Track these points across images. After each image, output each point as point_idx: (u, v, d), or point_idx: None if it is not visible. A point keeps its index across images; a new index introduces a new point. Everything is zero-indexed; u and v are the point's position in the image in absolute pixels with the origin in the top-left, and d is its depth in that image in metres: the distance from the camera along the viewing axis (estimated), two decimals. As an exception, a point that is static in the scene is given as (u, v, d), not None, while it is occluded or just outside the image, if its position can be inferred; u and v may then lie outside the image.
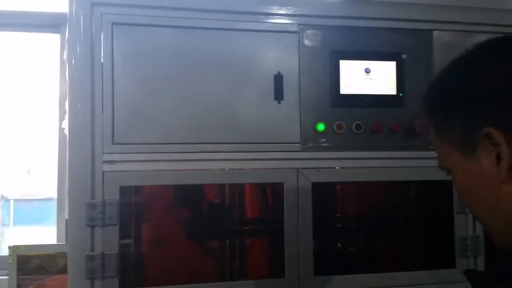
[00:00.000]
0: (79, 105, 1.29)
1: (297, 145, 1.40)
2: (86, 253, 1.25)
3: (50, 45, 2.30)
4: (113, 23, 1.31)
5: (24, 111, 2.47)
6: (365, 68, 1.42)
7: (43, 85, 2.41)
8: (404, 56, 1.45)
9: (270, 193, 1.46)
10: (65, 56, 1.50)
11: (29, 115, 2.49)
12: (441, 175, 1.46)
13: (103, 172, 1.28)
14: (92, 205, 1.26)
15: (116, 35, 1.31)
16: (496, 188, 0.58)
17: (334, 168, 1.43)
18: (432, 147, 1.46)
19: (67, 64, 1.39)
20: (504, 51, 0.61)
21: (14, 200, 3.74)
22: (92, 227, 1.26)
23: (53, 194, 2.39)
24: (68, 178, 1.30)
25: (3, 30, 2.24)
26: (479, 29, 1.50)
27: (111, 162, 1.29)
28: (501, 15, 1.55)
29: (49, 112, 2.45)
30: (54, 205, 2.34)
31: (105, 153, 1.29)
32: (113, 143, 1.30)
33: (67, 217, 1.45)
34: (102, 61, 1.30)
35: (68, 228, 1.29)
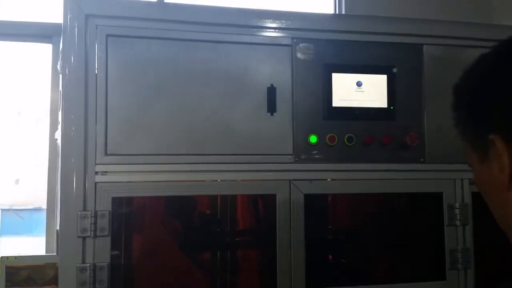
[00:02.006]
0: (72, 116, 1.29)
1: (289, 157, 1.41)
2: (77, 265, 1.24)
3: (42, 55, 2.30)
4: (108, 35, 1.32)
5: (13, 120, 2.46)
6: (356, 81, 1.44)
7: (33, 94, 2.40)
8: (395, 70, 1.47)
9: (263, 205, 1.46)
10: (59, 67, 1.50)
11: (18, 124, 2.48)
12: (432, 188, 1.49)
13: (95, 183, 1.28)
14: (84, 216, 1.26)
15: (110, 46, 1.32)
16: (504, 194, 0.58)
17: (326, 180, 1.44)
18: (422, 159, 1.49)
19: (60, 75, 1.39)
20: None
21: (2, 209, 3.69)
22: (84, 238, 1.26)
23: (42, 204, 2.37)
24: (60, 188, 1.30)
25: (-5, 40, 2.24)
26: (469, 43, 1.54)
27: (103, 173, 1.29)
28: (490, 29, 1.58)
29: (39, 122, 2.44)
30: (43, 215, 2.32)
31: (97, 164, 1.29)
32: (106, 154, 1.30)
33: (57, 228, 1.44)
34: (96, 72, 1.31)
35: (59, 239, 1.28)
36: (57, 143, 1.97)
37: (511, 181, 0.57)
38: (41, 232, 2.29)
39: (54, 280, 1.87)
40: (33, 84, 2.40)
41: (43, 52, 2.28)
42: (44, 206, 2.28)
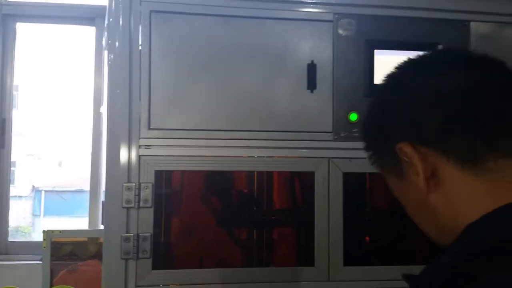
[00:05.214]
0: (117, 91, 1.32)
1: (329, 134, 1.40)
2: (122, 234, 1.28)
3: (83, 38, 2.36)
4: (151, 11, 1.34)
5: (56, 104, 2.54)
6: (400, 58, 1.41)
7: (75, 79, 2.47)
8: (440, 47, 1.43)
9: (301, 182, 1.46)
10: (104, 43, 1.54)
11: (61, 108, 2.55)
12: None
13: (139, 156, 1.32)
14: (128, 188, 1.29)
15: (154, 22, 1.34)
16: (427, 201, 0.62)
17: (366, 158, 1.41)
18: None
19: (106, 52, 1.43)
20: (417, 69, 0.67)
21: (45, 191, 3.83)
22: (128, 209, 1.30)
23: (84, 186, 2.44)
24: (105, 161, 1.34)
25: (39, 22, 2.30)
26: (518, 21, 1.48)
27: (147, 146, 1.32)
28: (539, 7, 1.52)
29: (81, 106, 2.51)
30: (84, 197, 2.39)
31: (141, 138, 1.32)
32: (149, 129, 1.33)
33: (102, 200, 1.49)
34: (140, 48, 1.34)
35: (104, 209, 1.33)
36: (101, 119, 2.03)
37: (428, 183, 0.60)
38: (82, 213, 2.37)
39: (96, 255, 1.93)
40: (76, 70, 2.47)
41: (84, 37, 2.34)
42: (86, 189, 2.35)
